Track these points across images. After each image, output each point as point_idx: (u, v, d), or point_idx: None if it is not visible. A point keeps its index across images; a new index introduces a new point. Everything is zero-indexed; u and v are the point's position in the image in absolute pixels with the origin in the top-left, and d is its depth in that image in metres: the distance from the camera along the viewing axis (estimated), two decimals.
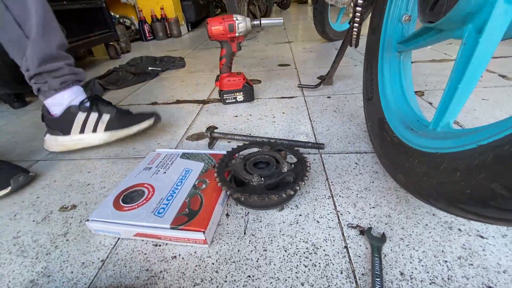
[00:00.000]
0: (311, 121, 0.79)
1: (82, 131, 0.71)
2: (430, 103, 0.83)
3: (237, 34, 0.82)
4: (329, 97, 0.94)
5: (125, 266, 0.41)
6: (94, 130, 0.71)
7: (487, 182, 0.26)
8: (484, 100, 0.82)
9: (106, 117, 0.72)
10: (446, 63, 1.19)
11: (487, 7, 0.32)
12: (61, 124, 0.71)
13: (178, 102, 1.03)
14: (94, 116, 0.71)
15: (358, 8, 0.61)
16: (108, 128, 0.72)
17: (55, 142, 0.72)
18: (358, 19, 0.63)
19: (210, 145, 0.70)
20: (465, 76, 0.37)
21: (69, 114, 0.70)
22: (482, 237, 0.40)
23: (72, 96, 0.71)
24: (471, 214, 0.30)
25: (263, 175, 0.47)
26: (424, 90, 0.92)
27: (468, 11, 0.35)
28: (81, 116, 0.70)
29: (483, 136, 0.29)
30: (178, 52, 1.95)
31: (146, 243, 0.44)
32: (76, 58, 2.00)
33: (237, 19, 0.80)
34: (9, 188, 0.57)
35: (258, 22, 0.83)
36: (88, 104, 0.72)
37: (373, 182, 0.53)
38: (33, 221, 0.51)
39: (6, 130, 0.94)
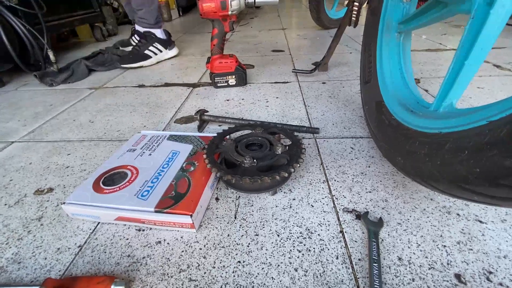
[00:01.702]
0: (305, 106, 0.76)
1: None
2: (426, 91, 0.81)
3: (229, 13, 0.77)
4: (324, 83, 0.91)
5: (105, 252, 0.37)
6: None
7: (500, 158, 0.24)
8: (479, 88, 0.81)
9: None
10: (441, 52, 1.18)
11: None
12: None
13: (166, 85, 0.98)
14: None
15: None
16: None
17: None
18: None
19: (200, 128, 0.66)
20: (473, 51, 0.35)
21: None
22: (481, 221, 0.39)
23: None
24: (477, 195, 0.28)
25: (256, 157, 0.44)
26: (420, 78, 0.90)
27: None
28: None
29: (493, 112, 0.27)
30: None
31: (129, 227, 0.41)
32: (59, 39, 1.90)
33: None
34: None
35: (253, 0, 0.78)
36: None
37: (369, 167, 0.51)
38: (5, 204, 0.47)
39: None
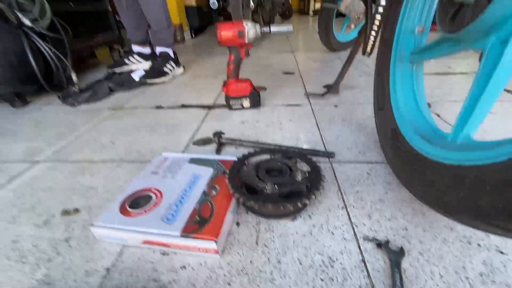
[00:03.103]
0: (319, 129, 0.78)
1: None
2: (438, 115, 0.83)
3: (246, 41, 0.82)
4: (336, 106, 0.93)
5: (131, 276, 0.39)
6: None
7: None
8: (490, 113, 0.82)
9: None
10: (450, 76, 1.20)
11: None
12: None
13: (183, 106, 1.02)
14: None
15: (378, 16, 0.61)
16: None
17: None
18: (377, 25, 0.63)
19: (218, 151, 0.69)
20: (488, 87, 0.36)
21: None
22: (502, 252, 0.39)
23: None
24: (501, 230, 0.29)
25: (277, 183, 0.45)
26: (431, 102, 0.92)
27: (492, 22, 0.34)
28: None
29: None
30: (181, 58, 1.94)
31: (154, 251, 0.42)
32: (79, 60, 1.99)
33: (247, 25, 0.80)
34: None
35: (268, 29, 0.83)
36: None
37: (387, 193, 0.51)
38: (34, 225, 0.49)
39: (6, 129, 0.91)
